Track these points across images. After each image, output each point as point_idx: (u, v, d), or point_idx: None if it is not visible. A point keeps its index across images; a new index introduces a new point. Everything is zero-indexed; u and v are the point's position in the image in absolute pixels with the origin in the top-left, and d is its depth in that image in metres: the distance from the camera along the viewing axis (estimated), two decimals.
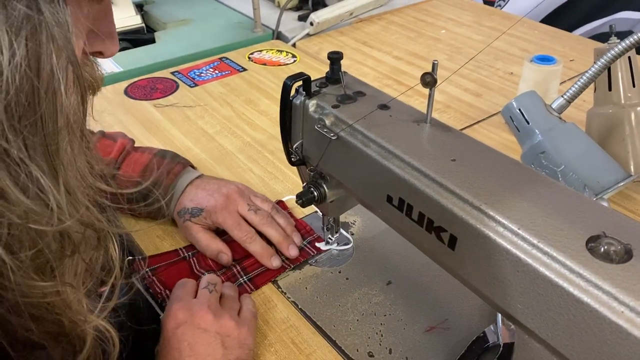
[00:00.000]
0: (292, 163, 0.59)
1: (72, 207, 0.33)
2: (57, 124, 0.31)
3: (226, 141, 0.89)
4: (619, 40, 0.69)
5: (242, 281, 0.63)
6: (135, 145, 0.73)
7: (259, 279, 0.63)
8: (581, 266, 0.35)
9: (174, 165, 0.69)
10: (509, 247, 0.37)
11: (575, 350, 0.35)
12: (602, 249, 0.35)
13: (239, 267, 0.64)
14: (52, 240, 0.33)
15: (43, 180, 0.31)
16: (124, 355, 0.64)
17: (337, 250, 0.68)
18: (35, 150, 0.31)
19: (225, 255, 0.64)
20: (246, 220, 0.66)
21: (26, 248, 0.32)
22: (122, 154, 0.69)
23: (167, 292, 0.61)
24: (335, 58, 0.53)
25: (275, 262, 0.64)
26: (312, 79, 0.54)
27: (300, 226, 0.71)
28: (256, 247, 0.64)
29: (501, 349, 0.53)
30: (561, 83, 0.94)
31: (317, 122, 0.52)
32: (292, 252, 0.65)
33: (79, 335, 0.38)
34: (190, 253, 0.66)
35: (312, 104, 0.53)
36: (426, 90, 0.46)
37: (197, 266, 0.65)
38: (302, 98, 0.54)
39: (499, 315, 0.56)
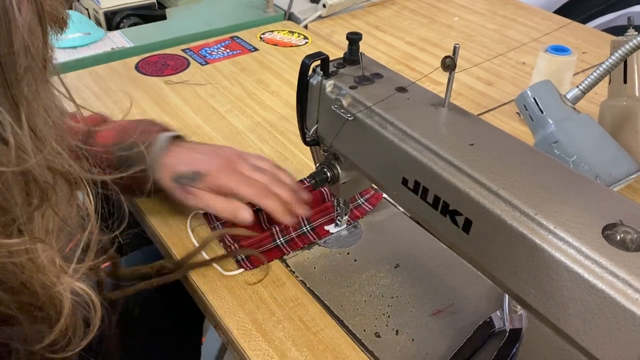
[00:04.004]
0: (306, 143, 0.59)
1: (37, 146, 0.30)
2: (13, 46, 0.28)
3: (236, 120, 0.89)
4: (636, 33, 0.69)
5: (305, 230, 0.66)
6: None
7: (320, 229, 0.67)
8: (597, 253, 0.35)
9: (152, 126, 0.64)
10: (524, 232, 0.38)
11: (586, 335, 0.35)
12: (618, 237, 0.36)
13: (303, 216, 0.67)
14: (15, 185, 0.30)
15: (2, 110, 0.28)
16: (108, 322, 0.63)
17: (346, 231, 0.68)
18: None
19: (245, 210, 0.61)
20: None
21: None
22: (94, 123, 0.63)
23: (236, 245, 0.63)
24: (354, 39, 0.53)
25: (289, 219, 0.62)
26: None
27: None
28: (270, 202, 0.61)
29: (507, 334, 0.54)
30: (574, 75, 0.93)
31: (333, 102, 0.52)
32: (302, 210, 0.64)
33: (55, 304, 0.35)
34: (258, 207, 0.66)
35: (329, 84, 0.53)
36: (439, 77, 0.46)
37: (266, 221, 0.67)
38: (320, 78, 0.54)
39: (506, 301, 0.56)
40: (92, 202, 0.36)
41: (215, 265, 0.62)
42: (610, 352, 0.34)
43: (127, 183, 0.65)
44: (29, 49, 0.29)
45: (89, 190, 0.35)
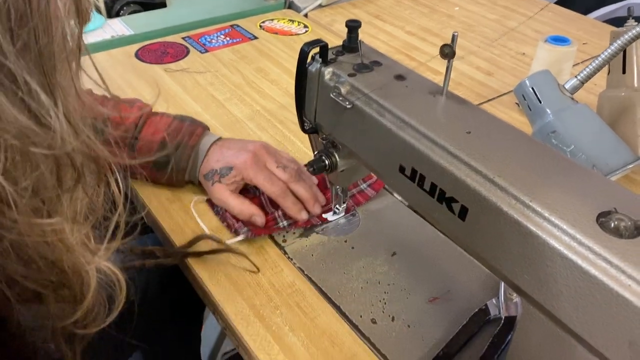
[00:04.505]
0: (304, 131, 0.59)
1: (72, 131, 0.31)
2: (53, 36, 0.29)
3: (236, 109, 0.89)
4: (636, 23, 0.69)
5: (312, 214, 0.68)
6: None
7: (320, 217, 0.68)
8: (591, 240, 0.35)
9: (195, 127, 0.69)
10: (520, 219, 0.38)
11: (579, 321, 0.36)
12: (613, 224, 0.36)
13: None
14: (46, 168, 0.31)
15: (43, 96, 0.29)
16: (133, 301, 0.64)
17: (344, 219, 0.68)
18: (31, 66, 0.29)
19: (259, 217, 0.65)
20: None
21: (27, 176, 0.30)
22: (141, 118, 0.68)
23: (239, 224, 0.65)
24: (353, 26, 0.53)
25: (303, 215, 0.66)
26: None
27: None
28: (289, 202, 0.65)
29: (503, 321, 0.55)
30: (574, 65, 0.93)
31: (332, 90, 0.52)
32: (317, 209, 0.67)
33: (82, 283, 0.36)
34: (260, 190, 0.68)
35: (328, 72, 0.53)
36: (439, 67, 0.47)
37: (269, 204, 0.68)
38: (318, 65, 0.54)
39: (502, 289, 0.57)
40: (121, 186, 0.37)
41: (212, 236, 0.63)
42: (603, 338, 0.35)
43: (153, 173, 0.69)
44: (66, 39, 0.30)
45: (117, 174, 0.36)
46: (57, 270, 0.34)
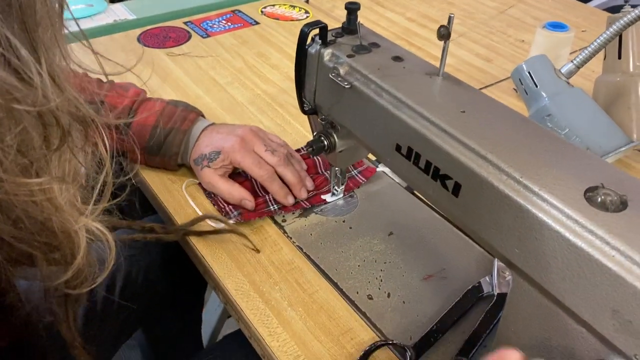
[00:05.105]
0: (304, 112, 0.60)
1: (56, 90, 0.31)
2: None
3: (237, 92, 0.90)
4: (632, 9, 0.69)
5: (299, 199, 0.69)
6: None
7: (314, 198, 0.69)
8: (578, 213, 0.36)
9: (188, 113, 0.69)
10: (510, 194, 0.39)
11: (566, 291, 0.37)
12: (599, 199, 0.37)
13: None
14: (33, 128, 0.31)
15: (24, 51, 0.29)
16: (135, 280, 0.64)
17: (342, 200, 0.70)
18: (12, 22, 0.28)
19: (249, 201, 0.66)
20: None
21: (12, 133, 0.30)
22: (135, 102, 0.69)
23: (230, 207, 0.66)
24: (352, 8, 0.54)
25: (290, 200, 0.67)
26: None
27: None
28: (275, 186, 0.66)
29: (495, 298, 0.56)
30: (572, 52, 0.94)
31: (331, 71, 0.53)
32: (303, 194, 0.68)
33: (71, 244, 0.36)
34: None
35: (327, 53, 0.54)
36: (436, 52, 0.47)
37: (260, 187, 0.69)
38: (318, 47, 0.55)
39: (495, 267, 0.58)
40: (107, 147, 0.37)
41: (209, 222, 0.64)
42: (588, 307, 0.36)
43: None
44: None
45: (104, 135, 0.37)
46: (47, 230, 0.35)
